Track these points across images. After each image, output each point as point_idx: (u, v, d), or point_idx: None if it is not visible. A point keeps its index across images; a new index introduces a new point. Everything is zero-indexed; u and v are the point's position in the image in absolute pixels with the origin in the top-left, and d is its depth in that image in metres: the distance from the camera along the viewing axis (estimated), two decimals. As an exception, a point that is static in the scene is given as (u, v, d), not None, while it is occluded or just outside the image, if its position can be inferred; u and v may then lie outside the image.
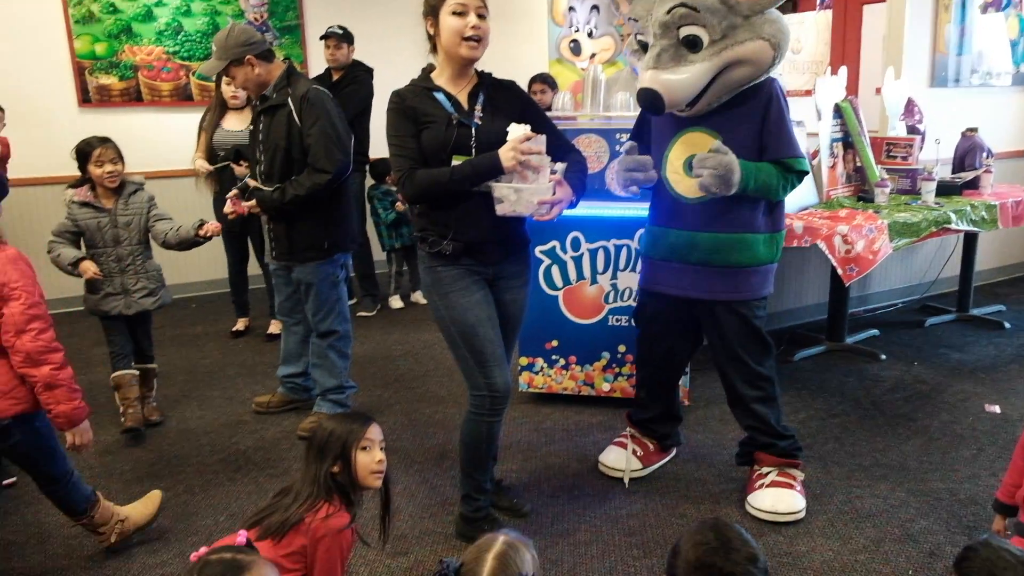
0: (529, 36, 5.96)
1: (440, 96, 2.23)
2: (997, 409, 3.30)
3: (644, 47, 2.35)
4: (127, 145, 5.01)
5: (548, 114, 3.21)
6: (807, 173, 2.46)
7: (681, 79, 2.22)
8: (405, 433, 3.20)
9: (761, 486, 2.56)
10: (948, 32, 4.83)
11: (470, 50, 2.18)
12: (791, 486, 2.55)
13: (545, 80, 4.82)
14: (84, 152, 3.07)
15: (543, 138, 2.16)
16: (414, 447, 3.07)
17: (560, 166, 2.24)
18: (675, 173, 2.45)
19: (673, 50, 2.23)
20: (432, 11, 2.20)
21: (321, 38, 4.61)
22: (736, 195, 2.32)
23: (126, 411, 3.23)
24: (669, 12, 2.21)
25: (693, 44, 2.23)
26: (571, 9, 6.39)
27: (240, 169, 3.92)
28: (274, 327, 4.44)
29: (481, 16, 2.18)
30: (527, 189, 2.13)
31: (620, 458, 2.82)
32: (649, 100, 2.24)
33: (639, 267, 2.83)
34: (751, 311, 2.48)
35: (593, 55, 5.47)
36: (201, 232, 3.11)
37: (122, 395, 3.26)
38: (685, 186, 2.43)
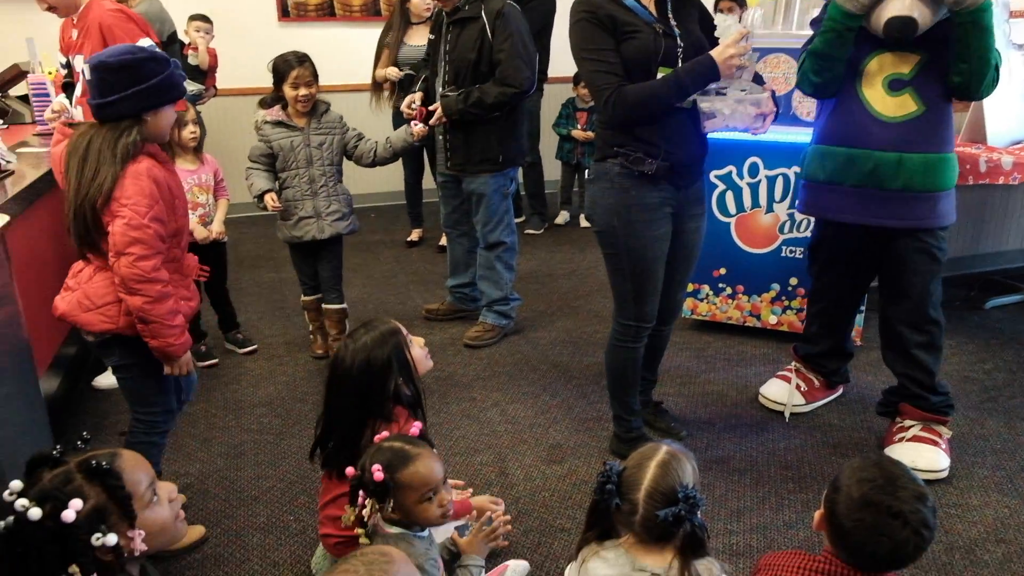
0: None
1: (632, 3, 2.09)
2: None
3: None
4: (319, 59, 5.34)
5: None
6: (998, 74, 2.22)
7: (932, 7, 2.09)
8: (565, 349, 3.30)
9: (902, 440, 2.42)
10: None
11: None
12: (935, 443, 2.38)
13: (733, -4, 4.58)
14: (281, 71, 2.93)
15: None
16: (574, 363, 3.17)
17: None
18: (873, 89, 2.26)
19: None
20: None
21: None
22: (943, 110, 2.23)
23: (316, 338, 3.30)
24: None
25: None
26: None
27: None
28: (445, 239, 4.62)
29: None
30: (746, 99, 2.02)
31: (782, 391, 2.77)
32: (904, 28, 2.10)
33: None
34: (938, 242, 2.32)
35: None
36: (414, 137, 3.04)
37: (311, 318, 3.29)
38: (887, 104, 2.25)
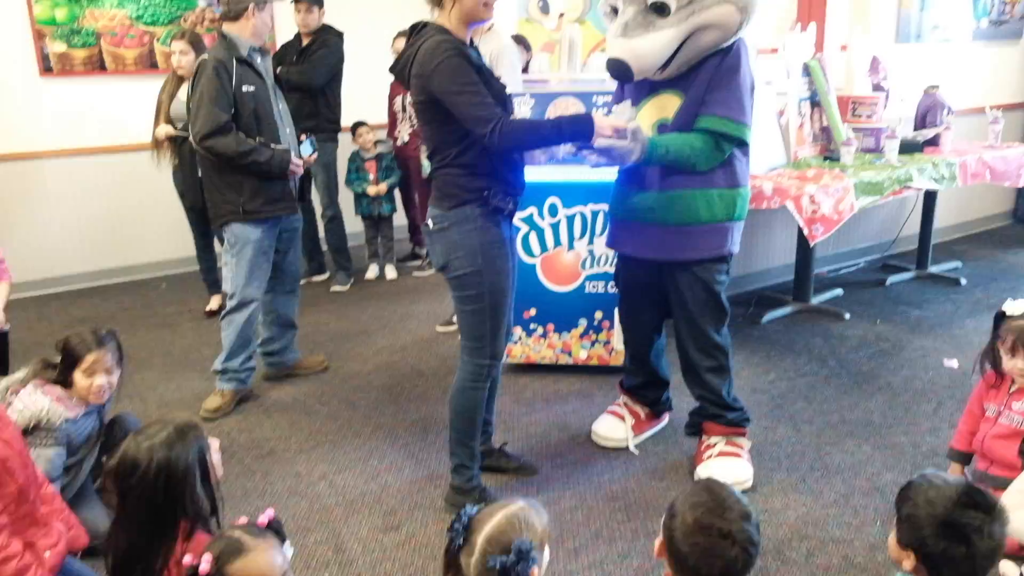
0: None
1: (475, 53, 2.25)
2: (955, 364, 3.46)
3: (615, 11, 2.37)
4: (90, 116, 5.00)
5: (526, 76, 3.28)
6: (746, 143, 2.43)
7: (649, 46, 2.25)
8: (388, 409, 3.26)
9: (709, 456, 2.63)
10: (912, -13, 4.89)
11: (489, 11, 2.23)
12: (738, 455, 2.63)
13: (520, 41, 4.79)
14: (75, 354, 2.24)
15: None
16: (398, 422, 3.14)
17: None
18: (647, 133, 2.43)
19: (641, 16, 2.25)
20: None
21: (292, 0, 4.51)
22: None
23: None
24: None
25: (661, 9, 2.24)
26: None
27: None
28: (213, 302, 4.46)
29: None
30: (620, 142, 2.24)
31: (612, 427, 2.90)
32: (619, 69, 2.29)
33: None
34: (709, 274, 2.49)
35: (562, 14, 5.44)
36: None
37: None
38: None
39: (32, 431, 2.14)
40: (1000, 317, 2.22)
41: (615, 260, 2.89)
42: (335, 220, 4.88)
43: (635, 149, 2.24)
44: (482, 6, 2.19)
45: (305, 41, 4.59)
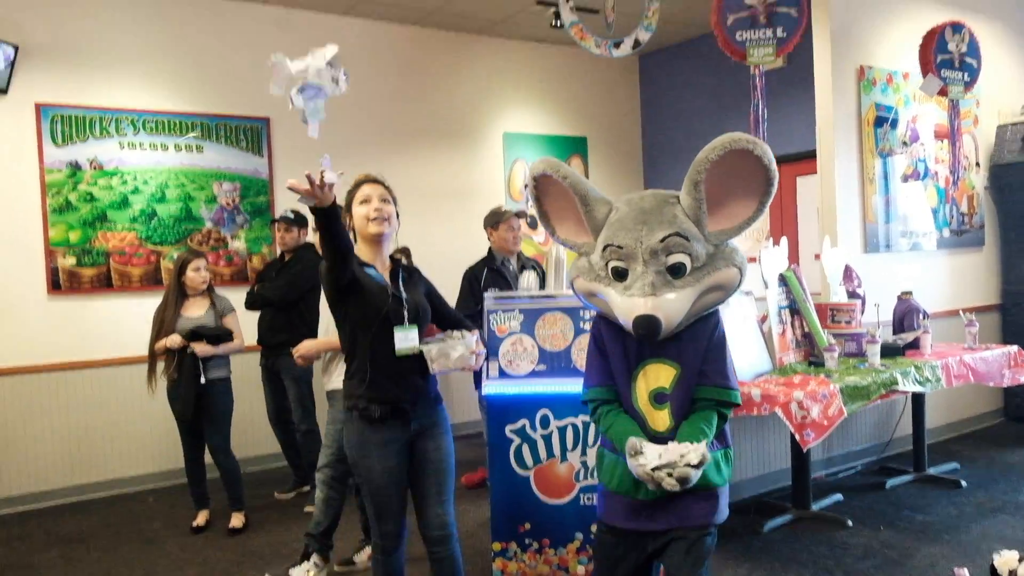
0: (487, 211, 6.26)
1: (371, 271, 2.65)
2: (966, 573, 3.35)
3: (618, 274, 2.32)
4: (93, 332, 5.13)
5: (511, 292, 3.47)
6: (738, 405, 2.43)
7: (675, 304, 2.25)
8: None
9: None
10: (875, 202, 5.25)
11: (378, 226, 2.66)
12: None
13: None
14: None
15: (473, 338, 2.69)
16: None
17: (463, 334, 2.70)
18: (645, 406, 2.36)
19: (661, 277, 2.26)
20: (346, 208, 2.72)
21: (272, 222, 4.79)
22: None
23: None
24: (663, 240, 2.25)
25: (678, 271, 2.26)
26: (526, 186, 6.78)
27: (203, 348, 4.04)
28: (235, 520, 4.36)
29: (384, 200, 2.69)
30: (449, 347, 2.58)
31: None
32: (650, 326, 2.22)
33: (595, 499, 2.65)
34: (711, 535, 2.34)
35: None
36: None
37: None
38: (655, 418, 2.34)
39: None
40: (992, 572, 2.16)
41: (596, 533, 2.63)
42: (311, 434, 4.78)
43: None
44: (366, 226, 2.68)
45: (287, 257, 4.84)
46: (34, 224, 5.03)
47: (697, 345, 2.36)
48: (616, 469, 2.37)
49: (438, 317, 2.84)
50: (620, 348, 2.39)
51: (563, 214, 2.44)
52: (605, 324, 2.42)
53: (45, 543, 4.18)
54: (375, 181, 2.73)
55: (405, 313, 2.61)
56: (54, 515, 4.75)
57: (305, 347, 3.44)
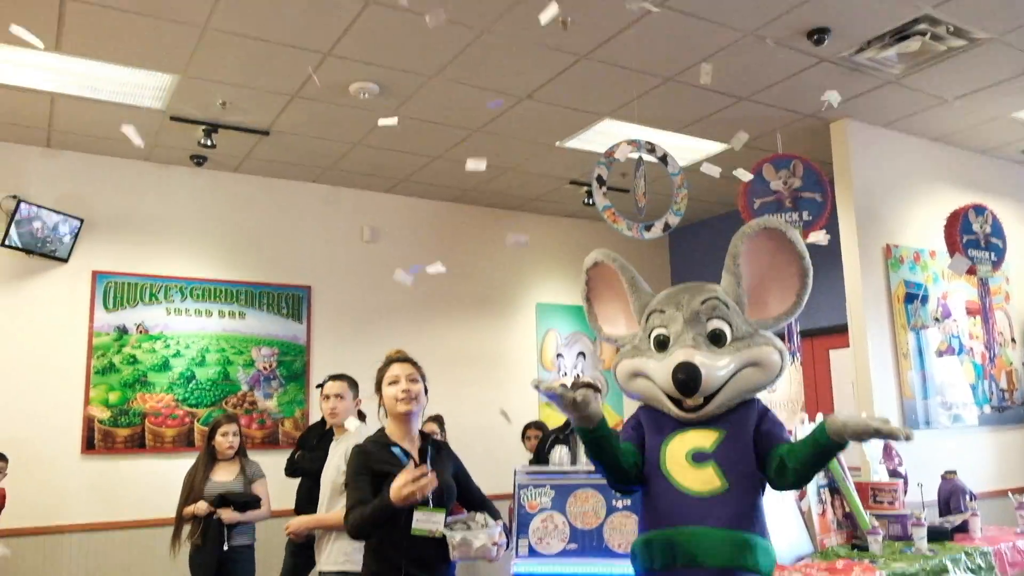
0: (520, 381, 6.32)
1: (396, 450, 2.69)
2: None
3: (660, 344, 2.37)
4: (123, 492, 5.13)
5: (543, 468, 3.44)
6: None
7: (716, 365, 2.26)
8: None
9: None
10: (911, 377, 5.20)
11: (407, 405, 2.72)
12: None
13: (539, 427, 5.05)
14: None
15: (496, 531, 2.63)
16: None
17: (482, 517, 2.68)
18: (677, 465, 2.28)
19: (703, 340, 2.30)
20: (377, 387, 2.82)
21: (318, 386, 4.86)
22: (751, 492, 2.26)
23: None
24: (704, 303, 2.36)
25: (718, 339, 2.31)
26: (559, 356, 6.88)
27: (229, 514, 4.00)
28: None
29: (413, 380, 2.75)
30: (473, 536, 2.50)
31: None
32: (691, 373, 2.21)
33: None
34: None
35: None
36: None
37: None
38: (692, 478, 2.26)
39: None
40: None
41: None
42: None
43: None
44: (395, 405, 2.74)
45: (328, 425, 4.83)
46: (77, 384, 5.18)
47: (744, 422, 2.31)
48: (651, 548, 2.27)
49: (464, 495, 2.85)
50: (657, 425, 2.36)
51: (611, 310, 2.61)
52: (645, 412, 2.43)
53: None
54: (404, 360, 2.81)
55: (430, 496, 2.60)
56: None
57: (297, 523, 3.50)
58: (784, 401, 6.08)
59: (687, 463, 2.27)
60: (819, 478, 4.20)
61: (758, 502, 2.30)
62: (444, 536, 2.59)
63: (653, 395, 2.36)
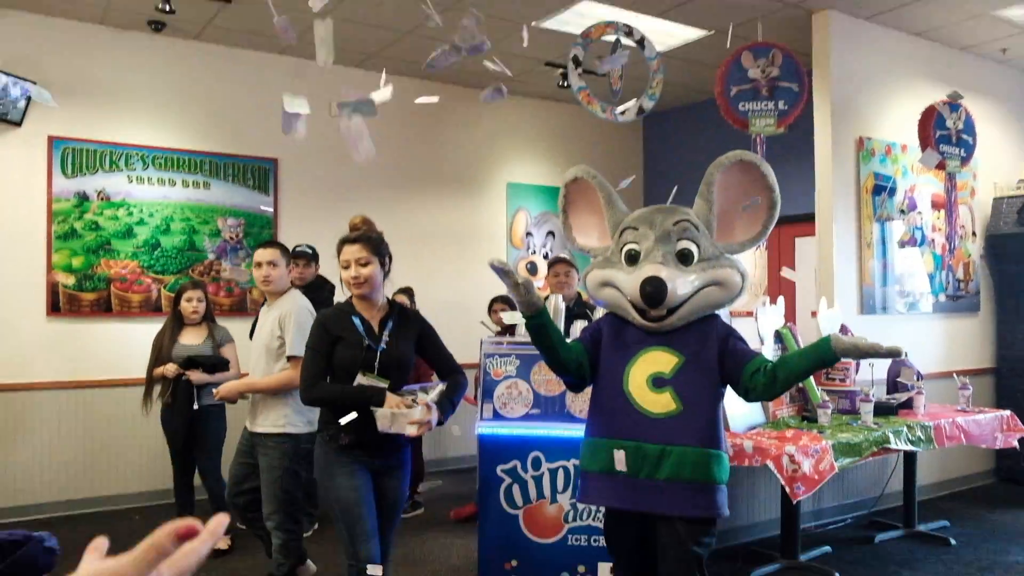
0: (489, 258, 6.34)
1: (356, 320, 2.78)
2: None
3: (631, 258, 2.52)
4: (90, 353, 5.15)
5: (513, 339, 3.48)
6: None
7: (681, 282, 2.42)
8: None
9: None
10: (872, 266, 5.32)
11: (358, 288, 2.79)
12: None
13: (505, 300, 5.10)
14: None
15: (435, 393, 2.77)
16: None
17: (437, 390, 2.79)
18: (639, 388, 2.47)
19: (671, 259, 2.46)
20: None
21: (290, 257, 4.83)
22: (706, 409, 2.44)
23: None
24: (676, 224, 2.50)
25: (686, 258, 2.47)
26: (528, 234, 6.89)
27: (198, 375, 4.05)
28: (222, 542, 4.29)
29: (363, 264, 2.78)
30: (401, 414, 2.65)
31: None
32: (657, 287, 2.37)
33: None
34: (700, 535, 2.43)
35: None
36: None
37: None
38: (649, 401, 2.44)
39: None
40: None
41: (603, 518, 2.74)
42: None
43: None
44: (350, 288, 2.82)
45: None
46: (38, 249, 5.10)
47: (704, 341, 2.49)
48: (594, 451, 2.54)
49: (432, 361, 2.95)
50: (620, 338, 2.53)
51: (585, 223, 2.75)
52: (609, 319, 2.60)
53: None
54: (355, 241, 2.81)
55: (377, 365, 2.76)
56: (42, 528, 4.68)
57: (228, 387, 3.61)
58: (748, 283, 6.20)
59: (647, 387, 2.46)
60: (775, 356, 4.35)
61: (714, 419, 2.48)
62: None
63: (620, 304, 2.53)
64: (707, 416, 2.45)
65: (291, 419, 3.44)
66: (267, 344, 3.50)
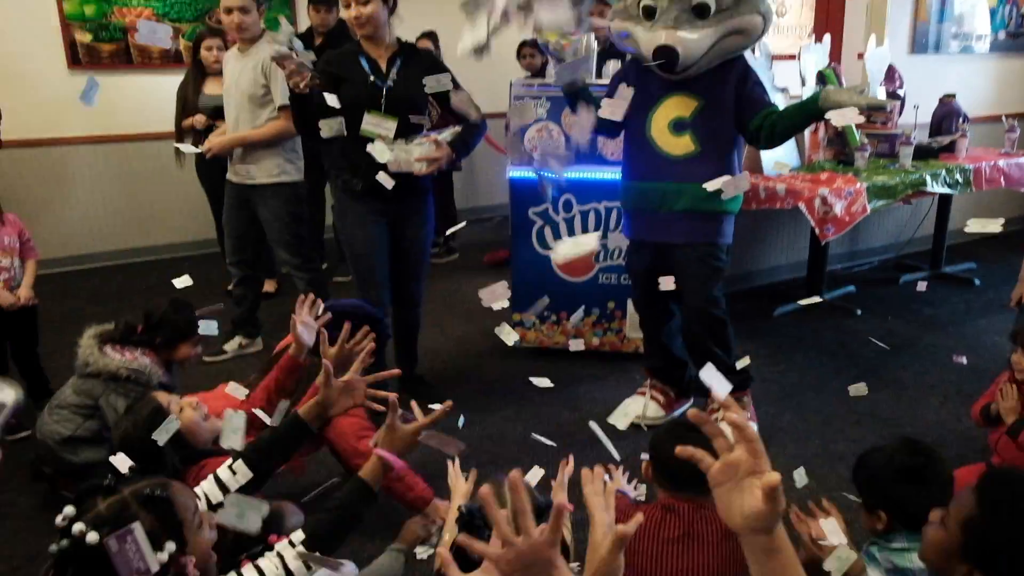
0: None
1: (362, 59, 2.76)
2: (964, 360, 3.47)
3: (648, 12, 2.53)
4: (117, 106, 5.12)
5: (542, 81, 3.37)
6: None
7: (695, 39, 2.45)
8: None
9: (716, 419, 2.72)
10: (930, 1, 4.94)
11: (360, 28, 2.73)
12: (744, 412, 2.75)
13: (534, 44, 4.88)
14: (184, 329, 2.70)
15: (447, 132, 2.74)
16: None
17: (451, 130, 2.76)
18: (661, 133, 2.65)
19: (685, 15, 2.45)
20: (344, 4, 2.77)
21: (311, 2, 4.60)
22: (722, 149, 2.62)
23: None
24: None
25: (702, 12, 2.46)
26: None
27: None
28: (268, 285, 4.52)
29: (362, 3, 2.68)
30: (403, 150, 2.61)
31: (637, 406, 3.02)
32: (668, 55, 2.45)
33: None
34: (717, 253, 2.70)
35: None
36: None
37: None
38: (671, 144, 2.64)
39: (125, 381, 2.51)
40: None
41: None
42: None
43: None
44: (352, 27, 2.77)
45: (319, 40, 4.65)
46: (50, -2, 4.89)
47: (724, 85, 2.59)
48: (625, 192, 2.81)
49: (445, 104, 2.84)
50: (644, 86, 2.61)
51: None
52: (635, 67, 2.69)
53: (90, 299, 4.44)
54: None
55: (383, 103, 2.71)
56: (95, 276, 5.01)
57: (219, 142, 3.53)
58: (792, 26, 5.82)
59: (668, 131, 2.62)
60: (816, 95, 4.18)
61: (730, 158, 2.66)
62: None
63: (640, 55, 2.60)
64: (723, 154, 2.64)
65: (284, 168, 3.46)
66: (250, 93, 3.38)
